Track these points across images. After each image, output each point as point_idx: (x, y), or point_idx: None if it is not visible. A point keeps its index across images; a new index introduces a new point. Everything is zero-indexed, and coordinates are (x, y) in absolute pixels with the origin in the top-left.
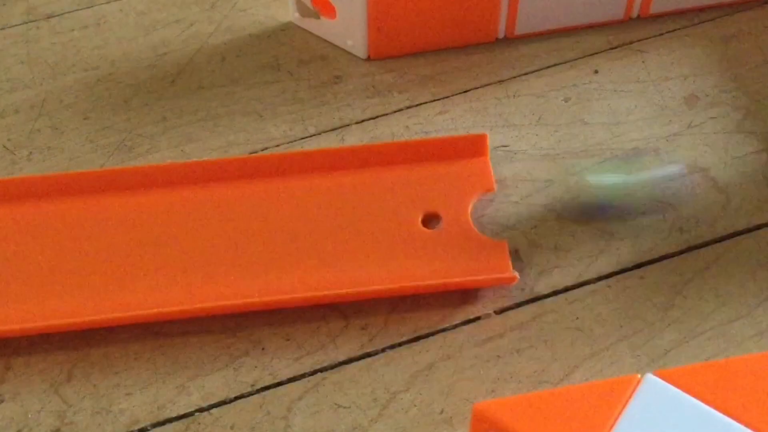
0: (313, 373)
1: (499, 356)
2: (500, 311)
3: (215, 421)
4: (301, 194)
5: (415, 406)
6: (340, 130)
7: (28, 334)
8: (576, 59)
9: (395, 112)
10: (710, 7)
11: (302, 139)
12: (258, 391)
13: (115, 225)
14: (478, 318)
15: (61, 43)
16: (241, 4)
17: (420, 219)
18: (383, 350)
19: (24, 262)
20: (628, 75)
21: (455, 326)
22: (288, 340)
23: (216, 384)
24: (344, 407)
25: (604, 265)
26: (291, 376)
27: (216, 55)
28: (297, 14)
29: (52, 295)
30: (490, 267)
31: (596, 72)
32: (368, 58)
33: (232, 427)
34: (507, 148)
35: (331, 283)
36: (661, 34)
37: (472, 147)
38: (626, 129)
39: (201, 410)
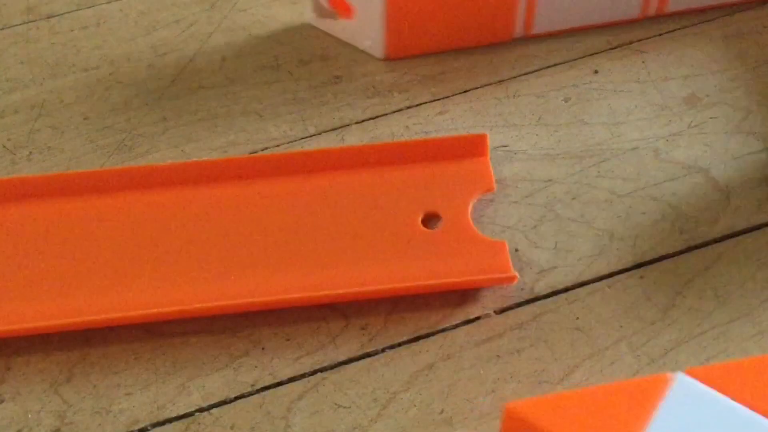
0: (313, 373)
1: (499, 356)
2: (500, 311)
3: (215, 421)
4: (301, 194)
5: (415, 406)
6: (340, 130)
7: (28, 334)
8: (576, 59)
9: (395, 112)
10: (724, 6)
11: (302, 139)
12: (258, 391)
13: (115, 225)
14: (478, 318)
15: (61, 43)
16: (241, 4)
17: (420, 219)
18: (383, 350)
19: (24, 262)
20: (628, 75)
21: (455, 326)
22: (288, 340)
23: (216, 384)
24: (344, 407)
25: (604, 265)
26: (291, 376)
27: (216, 55)
28: (314, 15)
29: (52, 295)
30: (490, 267)
31: (596, 72)
32: (386, 58)
33: (232, 427)
34: (507, 148)
35: (331, 283)
36: (661, 34)
37: (472, 147)
38: (626, 129)
39: (201, 410)
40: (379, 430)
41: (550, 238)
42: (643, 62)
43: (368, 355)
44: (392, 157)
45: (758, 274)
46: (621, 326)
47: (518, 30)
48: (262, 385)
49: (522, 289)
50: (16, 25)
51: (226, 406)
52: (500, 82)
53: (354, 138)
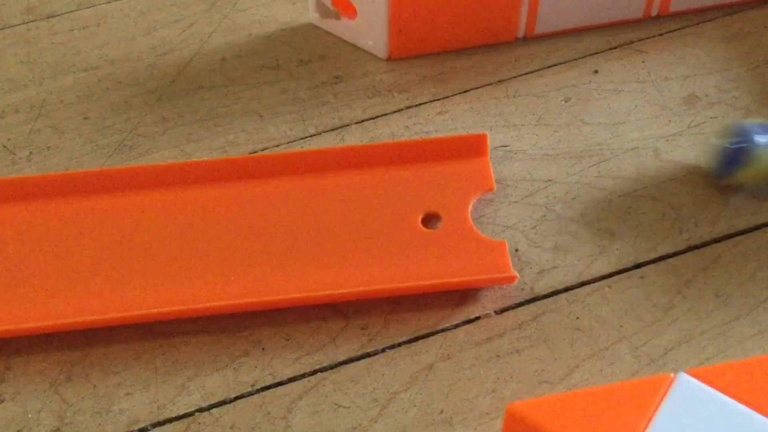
0: (313, 373)
1: (499, 356)
2: (500, 311)
3: (215, 421)
4: (301, 194)
5: (414, 406)
6: (340, 130)
7: (28, 334)
8: (576, 59)
9: (395, 112)
10: (724, 6)
11: (302, 139)
12: (258, 391)
13: (115, 225)
14: (478, 318)
15: (61, 43)
16: (241, 4)
17: (420, 219)
18: (383, 350)
19: (24, 262)
20: (628, 75)
21: (455, 326)
22: (288, 340)
23: (216, 384)
24: (344, 407)
25: (604, 265)
26: (291, 376)
27: (216, 55)
28: (316, 15)
29: (52, 295)
30: (490, 267)
31: (596, 72)
32: (388, 58)
33: (232, 427)
34: (507, 148)
35: (331, 283)
36: (661, 34)
37: (472, 147)
38: (626, 129)
39: (201, 410)
40: (379, 430)
41: (550, 238)
42: (643, 62)
43: (368, 355)
44: (392, 157)
45: (758, 274)
46: (621, 326)
47: (521, 30)
48: (262, 385)
49: (522, 289)
50: (16, 25)
51: (226, 406)
52: (500, 82)
53: (354, 138)
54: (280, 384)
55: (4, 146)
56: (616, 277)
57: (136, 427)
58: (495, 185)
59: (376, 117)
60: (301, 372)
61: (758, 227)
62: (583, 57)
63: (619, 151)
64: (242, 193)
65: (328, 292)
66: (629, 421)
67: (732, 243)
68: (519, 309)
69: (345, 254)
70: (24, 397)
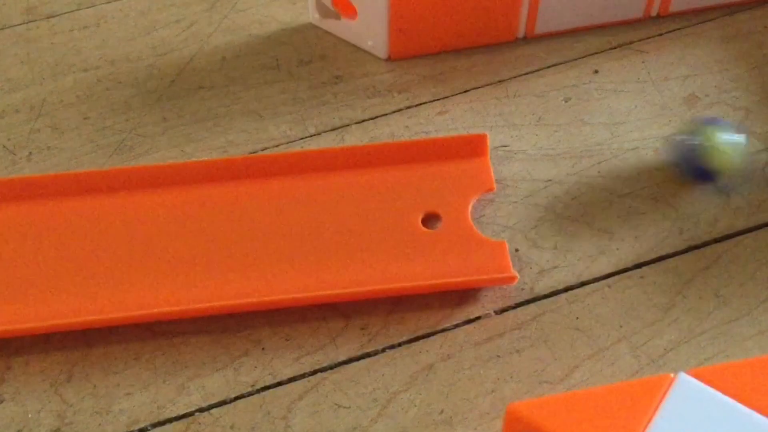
0: (313, 373)
1: (499, 356)
2: (500, 311)
3: (215, 421)
4: (301, 194)
5: (415, 406)
6: (340, 130)
7: (28, 334)
8: (576, 59)
9: (395, 112)
10: (724, 6)
11: (302, 139)
12: (258, 391)
13: (115, 225)
14: (478, 318)
15: (61, 43)
16: (241, 4)
17: (420, 219)
18: (383, 350)
19: (24, 262)
20: (628, 75)
21: (455, 326)
22: (288, 340)
23: (216, 384)
24: (344, 407)
25: (604, 265)
26: (291, 376)
27: (216, 55)
28: (317, 15)
29: (52, 295)
30: (490, 267)
31: (596, 72)
32: (388, 58)
33: (232, 427)
34: (507, 148)
35: (331, 283)
36: (661, 34)
37: (472, 147)
38: (626, 129)
39: (201, 410)
40: (379, 430)
41: (550, 238)
42: (643, 62)
43: (368, 355)
44: (392, 157)
45: (758, 274)
46: (621, 326)
47: (521, 30)
48: (262, 385)
49: (522, 289)
50: (16, 25)
51: (226, 406)
52: (500, 82)
53: (354, 138)
54: (280, 384)
55: (4, 146)
56: (616, 277)
57: (136, 427)
58: (495, 185)
59: (376, 117)
60: (301, 372)
61: (758, 227)
62: (583, 57)
63: (619, 151)
64: (242, 193)
65: (328, 292)
66: (629, 421)
67: (732, 243)
68: (519, 309)
69: (345, 254)
70: (24, 397)
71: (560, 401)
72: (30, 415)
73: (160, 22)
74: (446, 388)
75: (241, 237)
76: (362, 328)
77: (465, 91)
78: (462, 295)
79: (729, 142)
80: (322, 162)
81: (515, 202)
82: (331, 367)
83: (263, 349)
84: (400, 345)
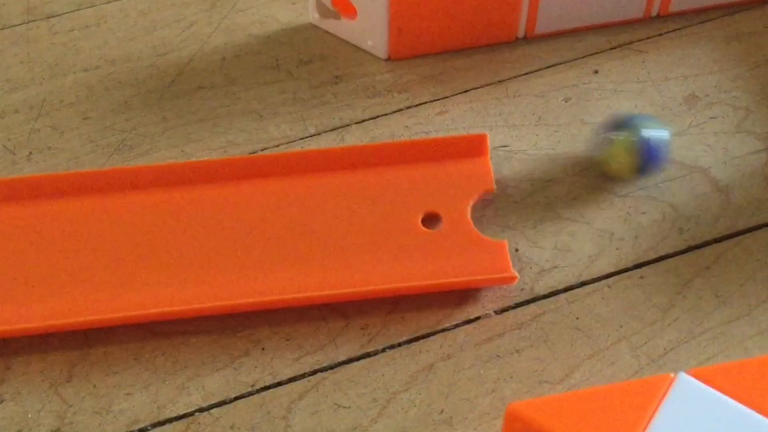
0: (313, 373)
1: (499, 356)
2: (500, 311)
3: (215, 421)
4: (301, 194)
5: (415, 406)
6: (340, 130)
7: (28, 334)
8: (576, 59)
9: (395, 112)
10: (724, 6)
11: (302, 139)
12: (258, 391)
13: (115, 225)
14: (478, 318)
15: (61, 43)
16: (241, 4)
17: (420, 219)
18: (383, 350)
19: (24, 262)
20: (628, 75)
21: (455, 326)
22: (288, 340)
23: (216, 384)
24: (344, 407)
25: (604, 265)
26: (291, 376)
27: (216, 55)
28: (317, 15)
29: (52, 295)
30: (490, 267)
31: (596, 72)
32: (388, 58)
33: (232, 427)
34: (507, 148)
35: (331, 283)
36: (661, 34)
37: (472, 147)
38: None
39: (201, 410)
40: (379, 430)
41: (550, 238)
42: (643, 62)
43: (368, 355)
44: (392, 157)
45: (758, 274)
46: (621, 326)
47: (521, 30)
48: (262, 385)
49: (522, 289)
50: (16, 25)
51: (226, 406)
52: (500, 82)
53: (354, 138)
54: (280, 384)
55: (4, 146)
56: (616, 277)
57: (136, 427)
58: (495, 185)
59: (376, 117)
60: (301, 372)
61: (758, 227)
62: (583, 57)
63: None
64: (242, 193)
65: (328, 292)
66: (629, 421)
67: (732, 243)
68: (519, 309)
69: (345, 254)
70: (24, 397)
71: (560, 401)
72: (30, 415)
73: (160, 22)
74: (446, 388)
75: (241, 237)
76: (362, 328)
77: (465, 91)
78: (462, 295)
79: (654, 136)
80: (322, 162)
81: (515, 202)
82: (331, 367)
83: (263, 349)
84: (400, 345)
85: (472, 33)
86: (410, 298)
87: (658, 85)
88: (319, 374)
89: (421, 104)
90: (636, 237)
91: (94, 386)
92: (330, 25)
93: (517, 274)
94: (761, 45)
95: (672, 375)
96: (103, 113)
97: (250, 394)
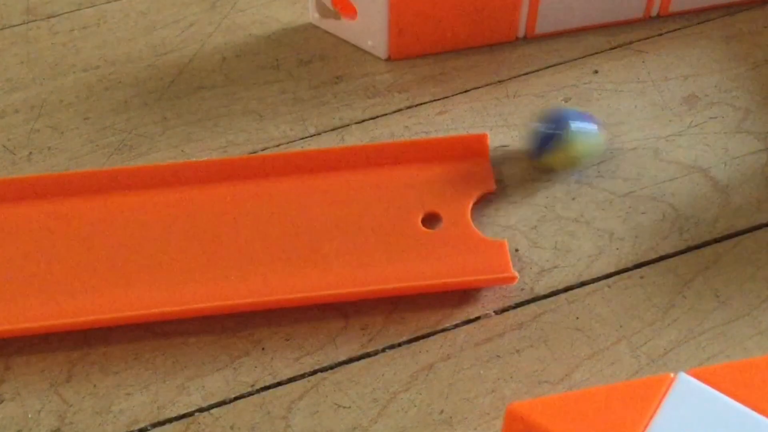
0: (313, 373)
1: (499, 356)
2: (500, 311)
3: (215, 421)
4: (301, 194)
5: (415, 406)
6: (340, 130)
7: (28, 334)
8: (576, 59)
9: (395, 112)
10: (724, 6)
11: (302, 139)
12: (258, 391)
13: (115, 225)
14: (478, 318)
15: (61, 43)
16: (241, 4)
17: (420, 219)
18: (383, 350)
19: (24, 262)
20: (628, 75)
21: (455, 326)
22: (288, 340)
23: (216, 384)
24: (344, 407)
25: (604, 265)
26: (291, 376)
27: (216, 55)
28: (316, 15)
29: (52, 295)
30: (490, 267)
31: (596, 72)
32: (388, 59)
33: (232, 427)
34: (507, 148)
35: (331, 283)
36: (661, 34)
37: (472, 147)
38: (626, 129)
39: (201, 410)
40: (379, 430)
41: (550, 238)
42: (643, 62)
43: (368, 355)
44: (392, 157)
45: (758, 274)
46: (621, 326)
47: (521, 30)
48: (262, 385)
49: (522, 289)
50: (16, 25)
51: (226, 406)
52: (500, 82)
53: (354, 138)
54: (280, 384)
55: (4, 146)
56: (616, 277)
57: (136, 427)
58: (495, 185)
59: (376, 117)
60: (301, 372)
61: (758, 227)
62: (583, 57)
63: (619, 151)
64: (242, 193)
65: (328, 292)
66: (629, 421)
67: (732, 243)
68: (519, 309)
69: (345, 254)
70: (24, 397)
71: (560, 401)
72: (30, 415)
73: (160, 22)
74: (446, 388)
75: (241, 237)
76: (362, 328)
77: (465, 91)
78: (462, 295)
79: (583, 132)
80: (322, 162)
81: (515, 202)
82: (331, 367)
83: (263, 349)
84: (400, 345)
85: (472, 33)
86: (410, 298)
87: (658, 85)
88: (319, 374)
89: (421, 104)
90: (636, 237)
91: (94, 386)
92: (330, 25)
93: (517, 274)
94: (761, 45)
95: (672, 375)
96: (103, 113)
97: (250, 394)
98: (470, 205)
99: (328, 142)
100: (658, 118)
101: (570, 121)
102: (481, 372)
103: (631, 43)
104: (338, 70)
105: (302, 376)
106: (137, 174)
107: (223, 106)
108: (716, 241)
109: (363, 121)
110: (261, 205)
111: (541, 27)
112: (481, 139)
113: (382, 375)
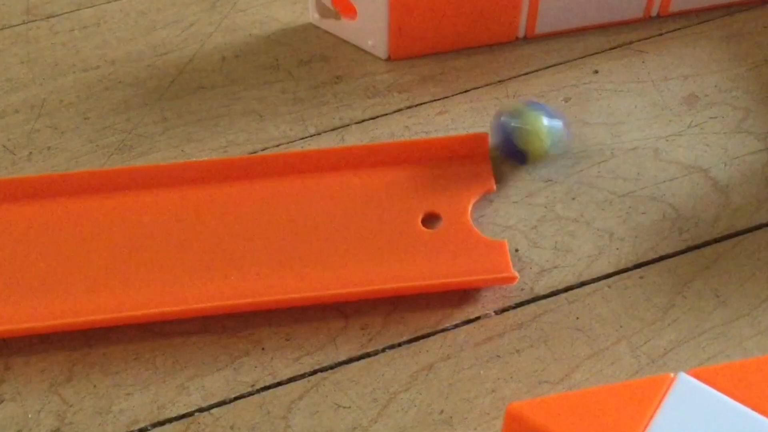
0: (313, 373)
1: (499, 356)
2: (500, 311)
3: (215, 421)
4: (301, 194)
5: (414, 406)
6: (340, 130)
7: (28, 334)
8: (576, 59)
9: (395, 112)
10: (725, 6)
11: (302, 139)
12: (258, 391)
13: (115, 225)
14: (478, 318)
15: (61, 43)
16: (241, 4)
17: (420, 219)
18: (383, 350)
19: (24, 262)
20: (628, 75)
21: (455, 326)
22: (288, 340)
23: (216, 384)
24: (344, 407)
25: (604, 265)
26: (291, 376)
27: (216, 55)
28: (316, 15)
29: (52, 295)
30: (490, 267)
31: (596, 72)
32: (389, 58)
33: (232, 427)
34: None
35: (331, 283)
36: (661, 34)
37: (472, 147)
38: (626, 129)
39: (201, 410)
40: (379, 430)
41: (550, 238)
42: (643, 62)
43: (368, 355)
44: (392, 157)
45: (758, 274)
46: (621, 326)
47: (521, 30)
48: (262, 385)
49: (522, 289)
50: (16, 25)
51: (226, 406)
52: (500, 82)
53: (354, 138)
54: (280, 384)
55: (4, 146)
56: (616, 277)
57: (136, 427)
58: (495, 185)
59: (376, 117)
60: (301, 372)
61: (758, 227)
62: (583, 57)
63: (619, 151)
64: (242, 193)
65: (328, 292)
66: (629, 421)
67: (732, 243)
68: (519, 309)
69: (345, 254)
70: (24, 397)
71: (560, 401)
72: (30, 415)
73: (160, 22)
74: (446, 388)
75: (241, 237)
76: (362, 328)
77: (465, 91)
78: (462, 295)
79: (546, 126)
80: (322, 162)
81: (515, 202)
82: (331, 367)
83: (263, 349)
84: (400, 345)
85: (472, 33)
86: (410, 298)
87: (658, 85)
88: (319, 374)
89: (421, 104)
90: (636, 237)
91: (94, 386)
92: (330, 25)
93: (517, 274)
94: (761, 45)
95: (672, 375)
96: (103, 113)
97: (250, 394)
98: (470, 205)
99: (328, 142)
100: (658, 118)
101: (530, 113)
102: (481, 372)
103: (631, 43)
104: (338, 70)
105: (302, 376)
106: (137, 174)
107: (223, 106)
108: (716, 241)
109: (363, 121)
110: (261, 205)
111: (541, 27)
112: (481, 139)
113: (382, 375)
